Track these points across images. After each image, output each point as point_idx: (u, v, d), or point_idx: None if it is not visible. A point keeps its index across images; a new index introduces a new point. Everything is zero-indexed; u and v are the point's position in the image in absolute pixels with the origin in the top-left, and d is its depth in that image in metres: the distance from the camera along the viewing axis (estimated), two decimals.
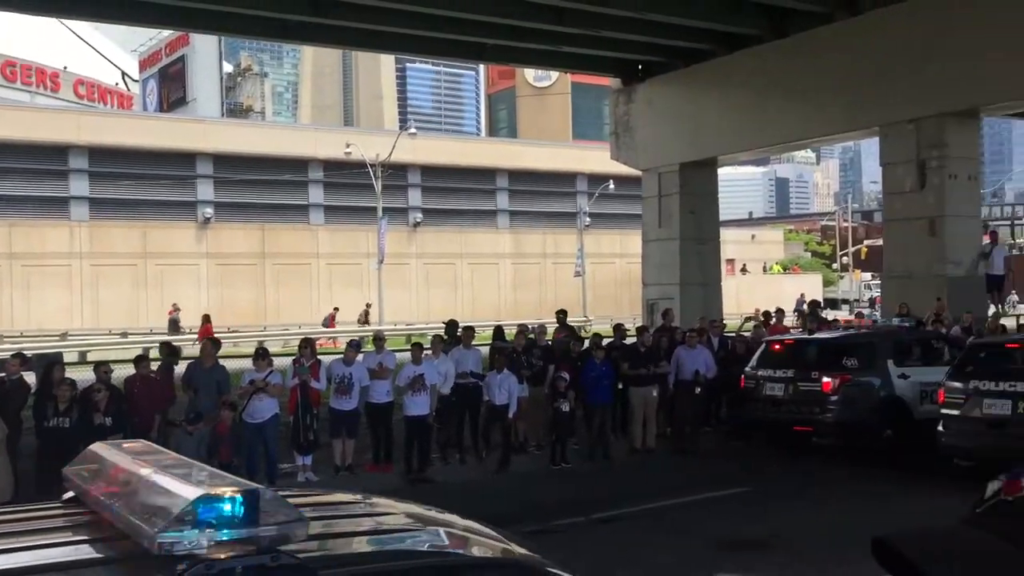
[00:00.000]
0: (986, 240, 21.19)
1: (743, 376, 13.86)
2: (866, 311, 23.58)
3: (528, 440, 14.08)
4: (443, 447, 13.35)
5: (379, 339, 14.26)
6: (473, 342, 13.98)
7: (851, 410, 12.68)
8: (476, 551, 3.18)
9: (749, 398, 13.71)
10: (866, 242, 67.35)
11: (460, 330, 14.38)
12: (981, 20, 17.41)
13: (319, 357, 12.79)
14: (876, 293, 45.81)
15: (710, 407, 15.24)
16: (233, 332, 33.56)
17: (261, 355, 12.10)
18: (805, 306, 21.81)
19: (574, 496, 11.28)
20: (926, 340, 14.48)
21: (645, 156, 25.02)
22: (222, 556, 2.46)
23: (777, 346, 14.11)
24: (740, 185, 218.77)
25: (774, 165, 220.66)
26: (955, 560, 0.74)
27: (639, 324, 20.33)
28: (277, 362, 12.69)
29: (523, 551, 3.06)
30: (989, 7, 17.37)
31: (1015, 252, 67.50)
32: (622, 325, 16.57)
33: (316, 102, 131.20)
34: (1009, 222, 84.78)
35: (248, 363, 12.81)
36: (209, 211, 44.43)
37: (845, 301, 60.22)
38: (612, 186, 48.02)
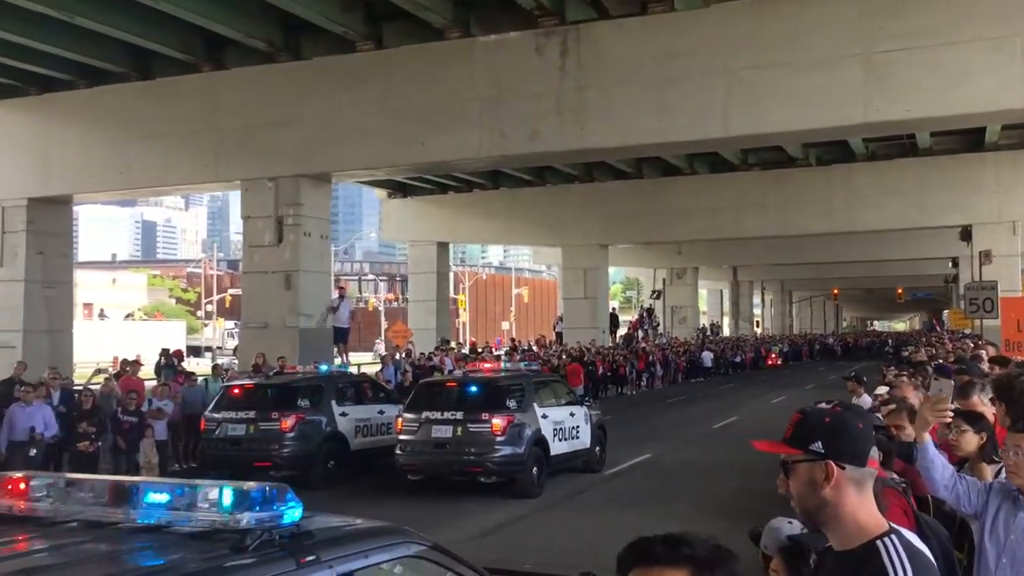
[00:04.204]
0: (335, 295, 23.02)
1: (203, 418, 14.80)
2: (225, 360, 24.10)
3: None
4: None
5: None
6: None
7: (304, 445, 14.37)
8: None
9: (209, 439, 14.59)
10: (230, 290, 68.76)
11: None
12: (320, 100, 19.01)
13: None
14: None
15: (49, 469, 13.83)
16: None
17: None
18: (163, 358, 21.20)
19: None
20: (358, 382, 16.98)
21: None
22: None
23: (236, 390, 15.21)
24: (104, 225, 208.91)
25: (141, 207, 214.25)
26: None
27: None
28: None
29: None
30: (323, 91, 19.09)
31: (360, 305, 74.99)
32: None
33: None
34: (357, 278, 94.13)
35: None
36: None
37: (208, 348, 60.51)
38: None
